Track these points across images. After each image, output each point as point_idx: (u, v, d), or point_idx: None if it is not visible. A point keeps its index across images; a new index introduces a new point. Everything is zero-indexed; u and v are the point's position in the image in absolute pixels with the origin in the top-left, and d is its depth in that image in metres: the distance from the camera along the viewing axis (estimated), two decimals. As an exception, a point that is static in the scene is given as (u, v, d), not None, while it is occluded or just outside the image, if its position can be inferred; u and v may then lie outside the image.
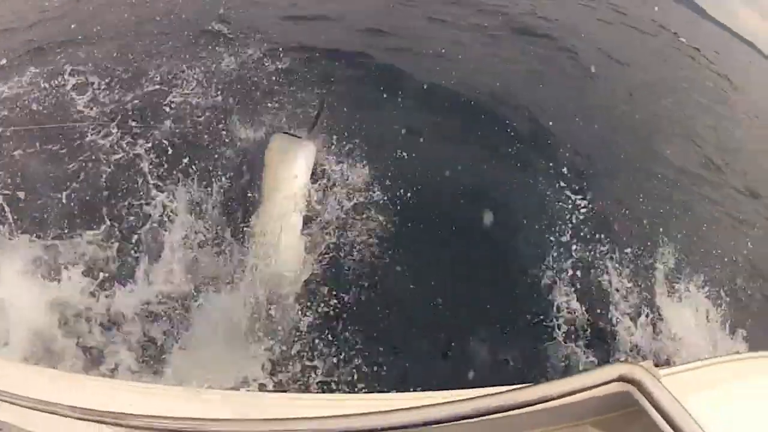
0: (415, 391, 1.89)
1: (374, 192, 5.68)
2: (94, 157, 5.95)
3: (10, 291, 4.39)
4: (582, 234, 6.25)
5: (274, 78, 7.64)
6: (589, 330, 5.32)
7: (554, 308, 5.41)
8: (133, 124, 6.39)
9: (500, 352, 4.98)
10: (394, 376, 4.45)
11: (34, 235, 4.92)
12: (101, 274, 4.70)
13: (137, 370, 4.25)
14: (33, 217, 5.19)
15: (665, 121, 11.00)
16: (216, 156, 5.97)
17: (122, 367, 4.24)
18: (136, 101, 6.92)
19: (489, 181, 7.05)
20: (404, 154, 6.42)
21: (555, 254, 5.93)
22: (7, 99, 6.74)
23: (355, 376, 4.37)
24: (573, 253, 5.98)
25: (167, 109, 6.76)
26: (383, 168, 5.87)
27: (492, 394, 1.49)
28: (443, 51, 10.36)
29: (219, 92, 7.13)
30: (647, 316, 5.61)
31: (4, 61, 7.58)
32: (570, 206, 6.60)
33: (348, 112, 6.83)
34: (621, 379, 1.55)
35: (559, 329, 5.25)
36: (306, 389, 4.22)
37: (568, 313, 5.39)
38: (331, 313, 4.70)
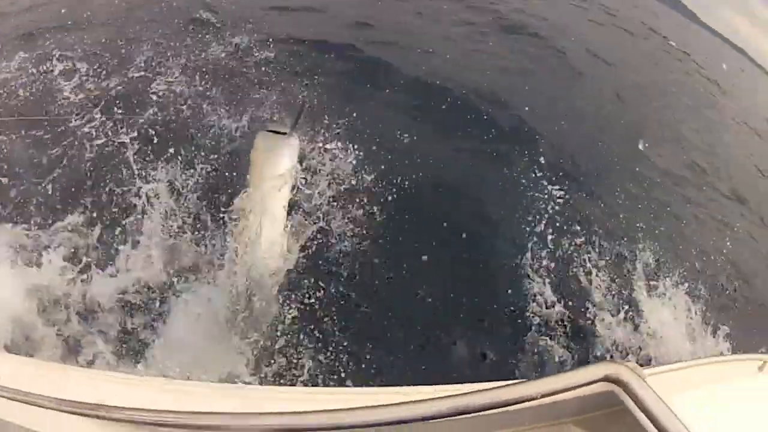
0: (395, 386, 1.87)
1: (358, 185, 5.66)
2: (77, 143, 5.90)
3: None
4: (563, 231, 6.29)
5: (262, 68, 7.64)
6: (569, 326, 5.35)
7: (535, 303, 5.42)
8: (118, 111, 6.33)
9: (480, 347, 5.00)
10: (372, 370, 4.43)
11: (16, 221, 4.88)
12: (84, 259, 4.66)
13: (122, 356, 4.22)
14: (16, 203, 5.16)
15: (653, 123, 11.06)
16: (200, 144, 5.95)
17: (102, 356, 4.20)
18: (120, 88, 6.88)
19: (472, 177, 7.06)
20: (389, 147, 6.42)
21: (536, 251, 5.94)
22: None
23: (331, 370, 4.34)
24: (553, 250, 6.01)
25: (153, 96, 6.72)
26: (368, 161, 5.85)
27: (476, 392, 1.47)
28: (431, 46, 10.36)
29: (205, 81, 7.08)
30: (627, 313, 5.64)
31: (-6, 46, 7.52)
32: (552, 203, 6.60)
33: (333, 104, 6.81)
34: (606, 379, 1.54)
35: (538, 325, 5.26)
36: (283, 381, 4.21)
37: (548, 308, 5.41)
38: (309, 307, 4.68)
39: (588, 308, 5.59)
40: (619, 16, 18.94)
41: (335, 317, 4.67)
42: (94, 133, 5.99)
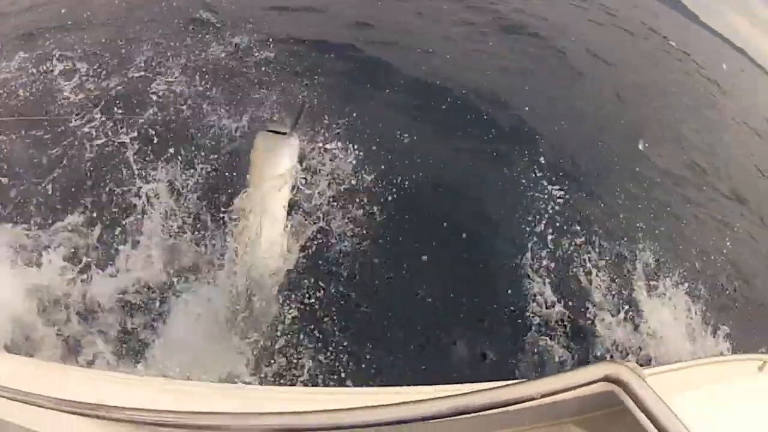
0: (395, 386, 1.87)
1: (358, 185, 5.66)
2: (77, 143, 5.90)
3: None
4: (563, 231, 6.29)
5: (262, 68, 7.63)
6: (569, 326, 5.35)
7: (535, 303, 5.42)
8: (118, 111, 6.33)
9: (480, 347, 5.00)
10: (372, 370, 4.43)
11: (16, 221, 4.88)
12: (84, 259, 4.66)
13: (122, 356, 4.22)
14: (16, 203, 5.16)
15: (653, 123, 11.04)
16: (200, 144, 5.95)
17: (102, 356, 4.20)
18: (120, 88, 6.87)
19: (472, 177, 7.06)
20: (389, 147, 6.42)
21: (536, 251, 5.94)
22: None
23: (331, 370, 4.34)
24: (553, 250, 6.01)
25: (153, 96, 6.72)
26: (368, 161, 5.85)
27: (476, 392, 1.47)
28: (431, 46, 10.35)
29: (205, 81, 7.08)
30: (627, 313, 5.64)
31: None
32: (552, 203, 6.60)
33: (333, 104, 6.80)
34: (606, 379, 1.54)
35: (538, 325, 5.26)
36: (283, 381, 4.20)
37: (548, 308, 5.41)
38: (309, 307, 4.68)
39: (588, 308, 5.59)
40: (619, 16, 18.90)
41: (335, 317, 4.67)
42: (94, 133, 5.98)
